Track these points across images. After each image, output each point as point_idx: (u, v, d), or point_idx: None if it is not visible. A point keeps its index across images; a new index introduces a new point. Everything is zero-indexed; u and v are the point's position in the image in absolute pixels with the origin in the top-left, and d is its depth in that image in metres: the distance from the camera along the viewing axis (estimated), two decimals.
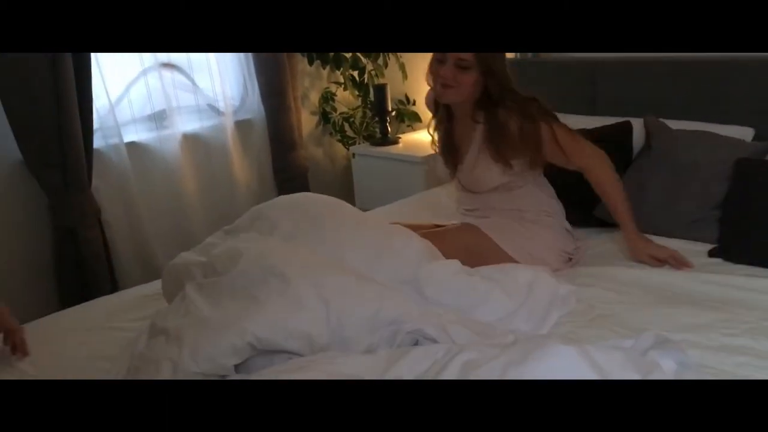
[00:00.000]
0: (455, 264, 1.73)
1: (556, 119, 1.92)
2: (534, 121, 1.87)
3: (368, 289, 1.49)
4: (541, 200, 2.02)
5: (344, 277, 1.51)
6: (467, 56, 1.84)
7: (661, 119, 2.26)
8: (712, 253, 1.89)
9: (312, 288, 1.44)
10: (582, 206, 2.09)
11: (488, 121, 1.91)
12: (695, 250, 1.90)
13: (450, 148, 2.06)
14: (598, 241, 2.07)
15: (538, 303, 1.66)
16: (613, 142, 2.26)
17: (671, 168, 2.06)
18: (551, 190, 2.05)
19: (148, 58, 2.67)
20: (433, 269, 1.68)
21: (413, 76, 3.44)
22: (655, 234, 1.96)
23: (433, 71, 1.92)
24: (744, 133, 2.17)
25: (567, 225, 2.04)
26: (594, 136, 2.20)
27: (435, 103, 2.08)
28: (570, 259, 1.98)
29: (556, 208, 2.04)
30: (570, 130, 1.94)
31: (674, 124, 2.24)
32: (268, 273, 1.47)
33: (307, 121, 3.38)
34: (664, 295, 1.68)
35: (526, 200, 2.00)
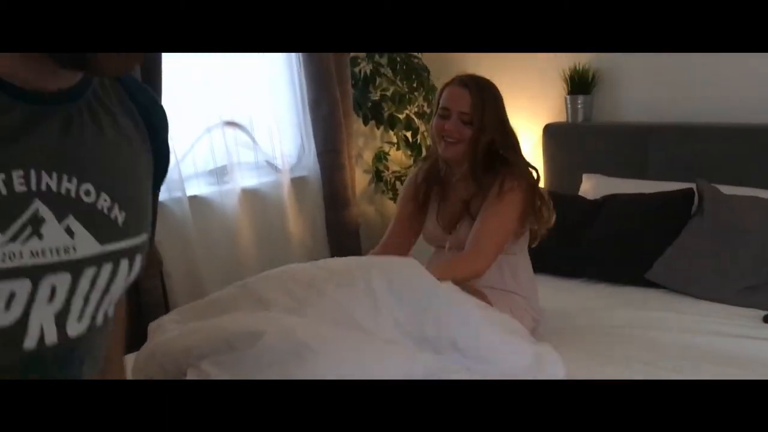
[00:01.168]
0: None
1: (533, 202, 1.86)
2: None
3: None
4: (527, 270, 1.96)
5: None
6: (468, 110, 1.84)
7: (713, 184, 2.28)
8: (767, 319, 1.87)
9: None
10: (634, 264, 2.11)
11: (490, 187, 1.86)
12: (749, 315, 1.89)
13: (447, 209, 2.00)
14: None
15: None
16: (673, 207, 2.29)
17: (724, 234, 2.07)
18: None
19: (213, 117, 2.81)
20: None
21: None
22: (707, 300, 1.96)
23: (438, 128, 1.89)
24: None
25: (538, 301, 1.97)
26: (653, 201, 2.22)
27: (429, 170, 2.02)
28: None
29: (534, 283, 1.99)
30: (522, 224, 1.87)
31: (726, 190, 2.25)
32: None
33: (360, 180, 3.47)
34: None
35: (511, 268, 1.92)
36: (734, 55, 2.49)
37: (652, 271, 2.11)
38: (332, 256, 2.10)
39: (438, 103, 1.95)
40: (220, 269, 2.85)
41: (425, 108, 3.39)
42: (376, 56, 3.37)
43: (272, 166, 3.06)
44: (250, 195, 2.96)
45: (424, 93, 3.38)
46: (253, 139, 2.99)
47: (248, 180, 2.98)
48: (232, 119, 2.90)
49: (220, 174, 2.89)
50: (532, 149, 3.19)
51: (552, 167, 3.01)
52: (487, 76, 3.38)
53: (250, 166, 3.00)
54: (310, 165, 3.15)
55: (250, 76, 2.93)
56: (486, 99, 1.91)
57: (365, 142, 3.54)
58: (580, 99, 2.93)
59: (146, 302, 2.56)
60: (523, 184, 1.84)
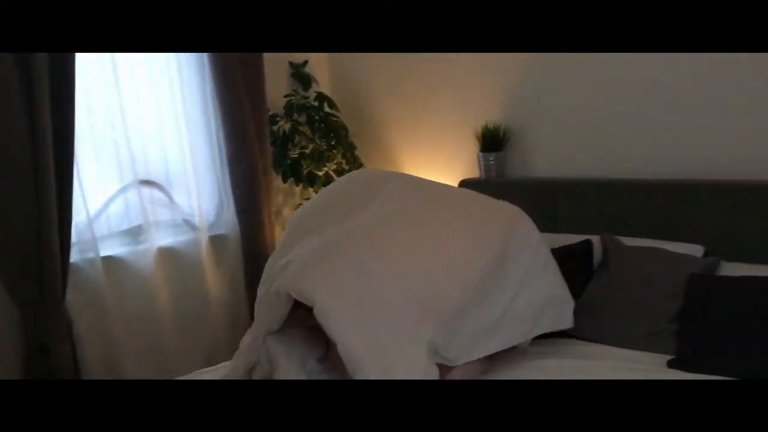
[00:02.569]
0: None
1: None
2: None
3: None
4: None
5: None
6: None
7: (617, 236, 2.40)
8: (671, 364, 1.96)
9: None
10: None
11: None
12: (654, 361, 1.98)
13: None
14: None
15: None
16: (576, 260, 2.39)
17: (627, 283, 2.17)
18: None
19: (128, 175, 2.77)
20: None
21: None
22: (614, 346, 2.05)
23: None
24: (694, 251, 2.30)
25: None
26: (559, 254, 2.34)
27: None
28: None
29: None
30: None
31: (629, 242, 2.37)
32: None
33: (280, 237, 3.46)
34: None
35: None
36: (634, 113, 2.66)
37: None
38: (252, 314, 2.09)
39: None
40: (135, 330, 2.78)
41: (344, 165, 3.44)
42: (295, 114, 3.42)
43: (190, 225, 3.03)
44: (166, 254, 2.91)
45: (342, 150, 3.44)
46: (170, 197, 2.96)
47: (165, 239, 2.93)
48: (149, 177, 2.87)
49: (135, 233, 2.83)
50: None
51: None
52: (405, 135, 3.49)
53: (167, 225, 2.97)
54: (230, 222, 3.14)
55: (167, 134, 2.92)
56: None
57: (285, 199, 3.55)
58: (492, 156, 3.04)
59: (55, 366, 2.46)
60: None
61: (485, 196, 2.22)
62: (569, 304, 2.07)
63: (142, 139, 2.82)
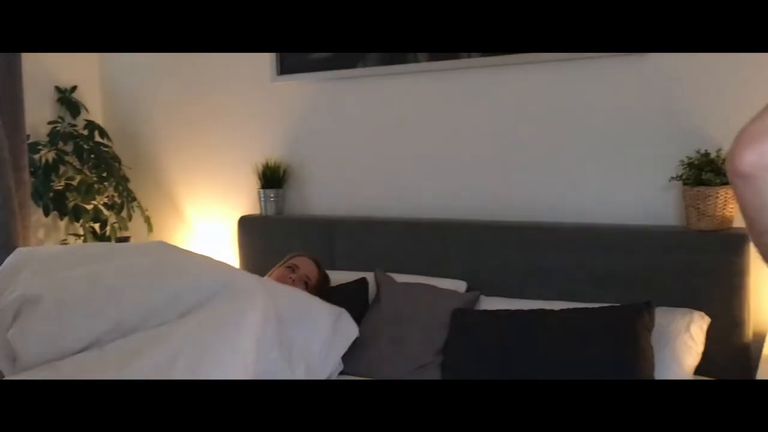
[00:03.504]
0: None
1: None
2: None
3: None
4: None
5: None
6: (314, 280, 2.46)
7: (389, 273, 2.50)
8: None
9: None
10: None
11: None
12: None
13: None
14: None
15: None
16: (352, 296, 2.45)
17: (397, 318, 2.26)
18: None
19: None
20: None
21: (158, 228, 3.43)
22: (387, 379, 2.11)
23: (284, 276, 2.42)
24: (458, 286, 2.46)
25: None
26: (337, 291, 2.40)
27: None
28: None
29: None
30: None
31: (400, 278, 2.48)
32: None
33: None
34: None
35: None
36: (406, 157, 2.81)
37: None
38: None
39: (288, 259, 2.55)
40: None
41: (116, 198, 3.25)
42: (60, 143, 3.17)
43: None
44: None
45: (114, 183, 3.24)
46: None
47: None
48: None
49: None
50: (229, 239, 3.22)
51: (247, 256, 3.06)
52: (183, 169, 3.37)
53: None
54: None
55: None
56: (324, 282, 2.53)
57: (47, 234, 3.26)
58: (273, 193, 3.04)
59: None
60: None
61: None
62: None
63: None
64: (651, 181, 2.35)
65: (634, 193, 2.39)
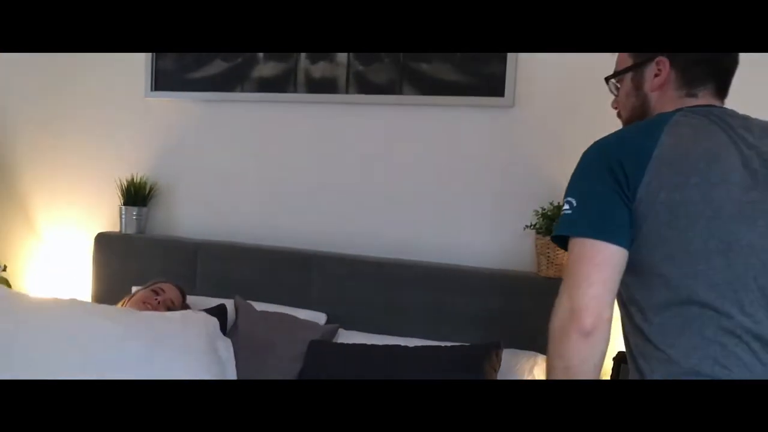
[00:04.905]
0: None
1: None
2: None
3: None
4: None
5: None
6: (177, 305, 2.44)
7: (250, 301, 2.46)
8: None
9: None
10: None
11: None
12: None
13: None
14: None
15: None
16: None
17: (253, 347, 2.22)
18: None
19: None
20: None
21: (5, 237, 3.21)
22: None
23: (149, 298, 2.41)
24: (318, 318, 2.46)
25: None
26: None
27: None
28: None
29: None
30: None
31: (260, 306, 2.44)
32: None
33: None
34: None
35: None
36: (277, 185, 2.79)
37: None
38: None
39: (153, 283, 2.53)
40: None
41: None
42: None
43: None
44: None
45: None
46: None
47: None
48: None
49: None
50: (85, 256, 3.06)
51: (102, 275, 2.91)
52: (40, 180, 3.18)
53: None
54: None
55: None
56: (185, 308, 2.49)
57: None
58: (136, 210, 2.93)
59: None
60: None
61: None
62: None
63: None
64: (511, 228, 2.46)
65: (495, 237, 2.50)
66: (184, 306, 2.50)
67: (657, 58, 1.36)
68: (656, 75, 1.37)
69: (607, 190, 1.22)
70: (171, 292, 2.48)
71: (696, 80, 1.35)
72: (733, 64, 1.38)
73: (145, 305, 2.37)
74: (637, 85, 1.41)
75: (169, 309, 2.39)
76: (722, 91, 1.38)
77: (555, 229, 1.29)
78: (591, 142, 1.32)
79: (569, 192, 1.29)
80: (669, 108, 1.34)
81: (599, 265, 1.19)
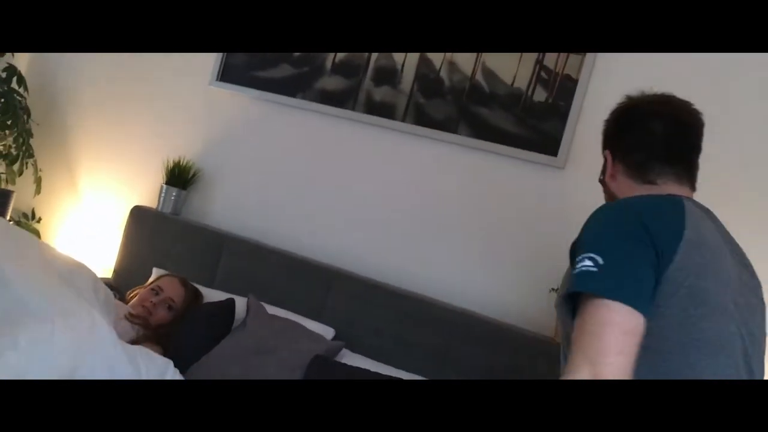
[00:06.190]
0: None
1: None
2: None
3: None
4: None
5: None
6: (179, 303, 2.41)
7: (262, 303, 2.45)
8: None
9: None
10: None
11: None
12: None
13: None
14: None
15: None
16: (219, 316, 2.39)
17: (256, 348, 2.21)
18: None
19: None
20: None
21: (47, 193, 3.28)
22: None
23: (147, 298, 2.38)
24: (326, 332, 2.44)
25: None
26: (211, 307, 2.36)
27: None
28: None
29: None
30: None
31: (271, 309, 2.44)
32: None
33: None
34: None
35: None
36: (315, 194, 2.81)
37: (188, 372, 2.13)
38: None
39: (155, 280, 2.51)
40: None
41: (12, 149, 3.10)
42: None
43: None
44: None
45: (16, 133, 3.09)
46: None
47: None
48: None
49: None
50: (117, 225, 3.11)
51: (130, 247, 2.95)
52: (90, 142, 3.25)
53: None
54: None
55: None
56: (192, 301, 2.47)
57: None
58: (175, 192, 2.97)
59: None
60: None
61: None
62: None
63: None
64: (537, 287, 2.43)
65: (518, 293, 2.46)
66: (192, 297, 2.48)
67: (604, 153, 1.47)
68: (609, 167, 1.48)
69: (641, 256, 1.15)
70: (171, 289, 2.45)
71: (639, 168, 1.40)
72: (681, 151, 1.39)
73: (143, 307, 2.37)
74: (603, 177, 1.52)
75: (169, 307, 2.40)
76: (685, 180, 1.39)
77: (573, 285, 1.16)
78: None
79: (591, 247, 1.19)
80: (629, 194, 1.40)
81: (629, 333, 1.09)
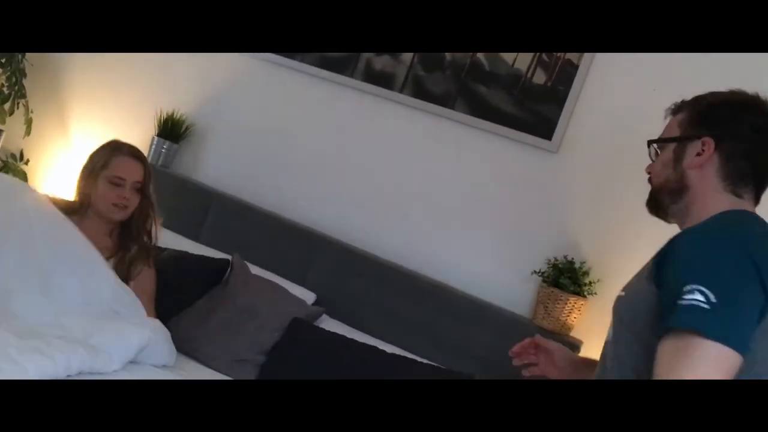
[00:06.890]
0: None
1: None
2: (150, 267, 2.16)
3: None
4: None
5: None
6: (142, 180, 2.13)
7: (247, 262, 2.46)
8: None
9: None
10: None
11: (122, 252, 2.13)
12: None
13: None
14: None
15: None
16: (211, 273, 2.39)
17: (236, 307, 2.22)
18: None
19: None
20: None
21: (37, 135, 3.25)
22: (198, 361, 2.07)
23: (111, 196, 2.09)
24: (307, 296, 2.45)
25: None
26: (198, 263, 2.34)
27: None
28: None
29: None
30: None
31: (255, 269, 2.44)
32: None
33: None
34: None
35: None
36: (309, 159, 2.80)
37: (169, 323, 2.13)
38: None
39: (102, 167, 2.12)
40: None
41: (4, 88, 3.06)
42: None
43: None
44: None
45: (9, 72, 3.05)
46: None
47: None
48: None
49: None
50: None
51: None
52: (83, 89, 3.22)
53: None
54: None
55: None
56: (150, 170, 2.20)
57: None
58: (166, 144, 2.95)
59: None
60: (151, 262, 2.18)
61: None
62: None
63: None
64: (520, 268, 2.44)
65: (502, 273, 2.47)
66: (148, 174, 2.18)
67: (704, 138, 1.33)
68: (698, 154, 1.33)
69: (752, 299, 1.13)
70: (132, 173, 2.13)
71: (737, 175, 1.31)
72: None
73: (114, 206, 2.10)
74: (677, 158, 1.36)
75: (138, 190, 2.14)
76: (758, 200, 1.35)
77: (681, 319, 1.12)
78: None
79: (702, 280, 1.13)
80: (710, 197, 1.31)
81: (726, 374, 1.09)
